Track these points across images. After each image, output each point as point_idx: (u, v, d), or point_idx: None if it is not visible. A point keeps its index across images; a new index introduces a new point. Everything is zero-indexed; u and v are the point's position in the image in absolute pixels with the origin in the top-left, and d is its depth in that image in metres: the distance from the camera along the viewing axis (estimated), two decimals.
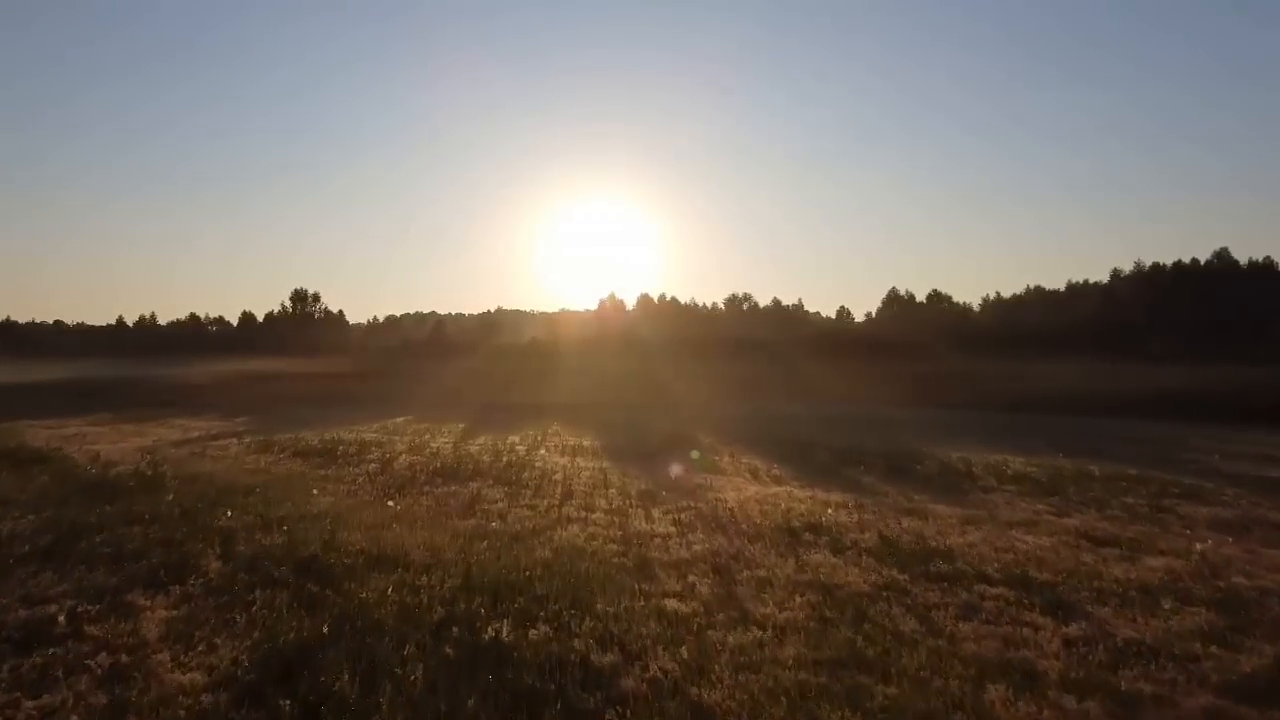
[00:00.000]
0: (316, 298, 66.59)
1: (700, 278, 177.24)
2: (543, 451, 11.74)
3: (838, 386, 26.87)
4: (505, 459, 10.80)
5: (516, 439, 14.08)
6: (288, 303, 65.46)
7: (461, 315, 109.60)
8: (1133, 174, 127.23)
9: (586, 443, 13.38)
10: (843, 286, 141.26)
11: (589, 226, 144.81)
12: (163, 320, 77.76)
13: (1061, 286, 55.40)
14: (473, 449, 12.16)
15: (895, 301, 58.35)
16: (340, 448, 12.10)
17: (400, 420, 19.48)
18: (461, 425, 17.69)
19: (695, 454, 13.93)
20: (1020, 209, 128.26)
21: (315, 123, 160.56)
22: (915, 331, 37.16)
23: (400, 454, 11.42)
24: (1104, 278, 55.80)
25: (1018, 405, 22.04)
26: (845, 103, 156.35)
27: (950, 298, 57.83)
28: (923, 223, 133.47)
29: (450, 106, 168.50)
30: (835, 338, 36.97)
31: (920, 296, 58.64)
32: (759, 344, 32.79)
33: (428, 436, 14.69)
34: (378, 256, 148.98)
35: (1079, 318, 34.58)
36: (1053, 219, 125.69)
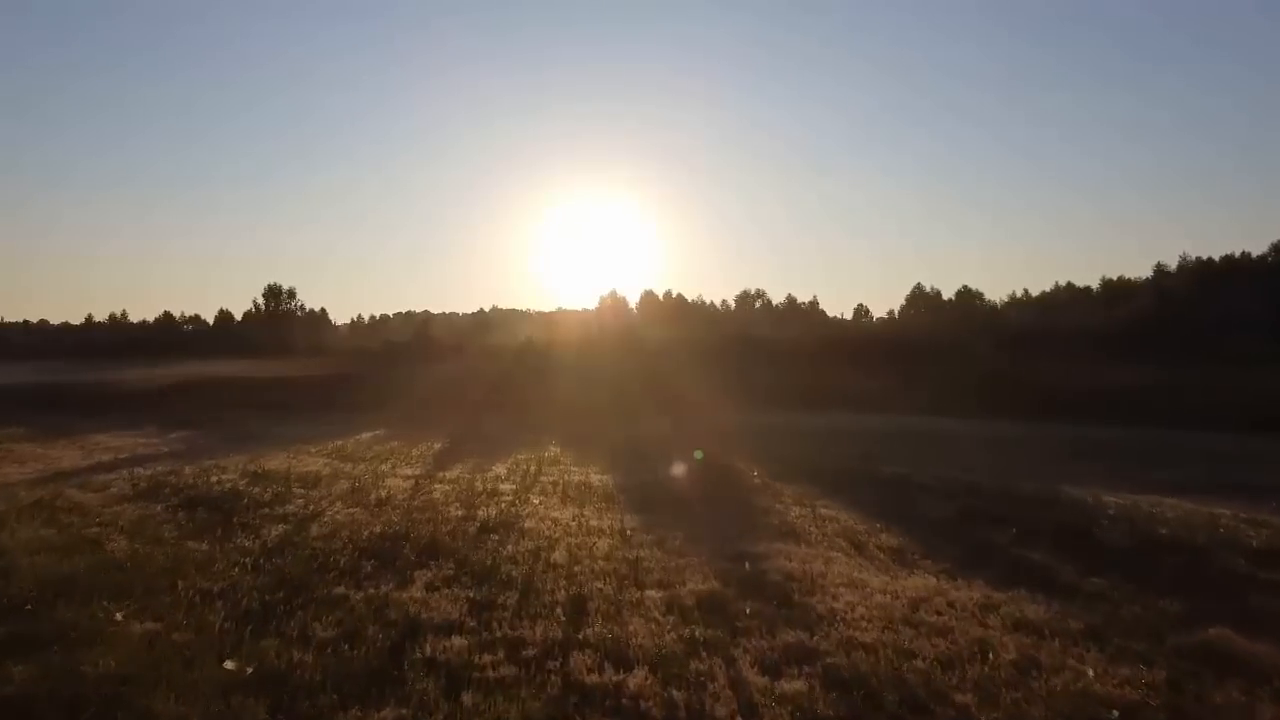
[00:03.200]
0: (292, 294, 62.42)
1: (701, 276, 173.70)
2: (537, 499, 8.33)
3: (875, 393, 23.56)
4: (482, 514, 7.42)
5: (503, 470, 10.71)
6: (260, 300, 61.37)
7: (455, 315, 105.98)
8: (1139, 172, 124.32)
9: (596, 478, 10.01)
10: (847, 283, 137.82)
11: (587, 223, 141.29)
12: (134, 319, 73.98)
13: (1095, 283, 52.33)
14: (438, 492, 8.77)
15: (920, 299, 54.47)
16: (256, 489, 8.74)
17: (366, 436, 16.14)
18: (438, 445, 14.35)
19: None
20: (1029, 206, 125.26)
21: (306, 119, 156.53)
22: (946, 331, 33.85)
23: (334, 502, 8.04)
24: (1132, 273, 52.93)
25: (1101, 416, 18.76)
26: (849, 99, 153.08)
27: (981, 294, 54.32)
28: (928, 220, 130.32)
29: (444, 101, 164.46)
30: (860, 338, 33.57)
31: (947, 293, 55.32)
32: (778, 345, 29.44)
33: (387, 465, 11.32)
34: (369, 255, 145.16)
35: (1126, 316, 31.23)
36: (1062, 217, 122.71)
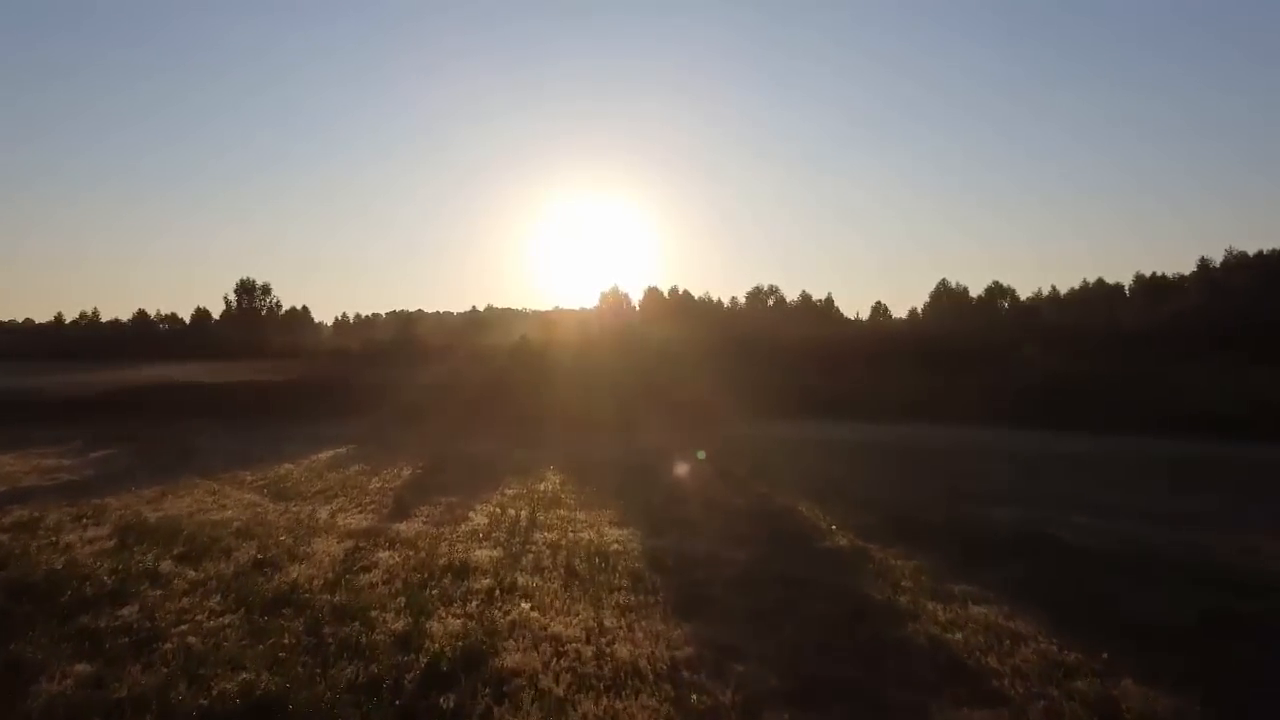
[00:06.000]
0: (267, 290, 58.92)
1: (704, 274, 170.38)
2: (526, 596, 5.38)
3: (917, 400, 20.70)
4: (438, 629, 4.52)
5: (484, 520, 7.81)
6: (232, 296, 57.68)
7: (450, 314, 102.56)
8: (1151, 170, 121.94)
9: (612, 535, 7.11)
10: (852, 281, 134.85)
11: (586, 220, 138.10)
12: (124, 316, 70.20)
13: (1126, 280, 49.43)
14: (382, 567, 5.84)
15: (946, 296, 50.98)
16: (107, 565, 5.85)
17: (324, 457, 13.26)
18: (407, 471, 11.49)
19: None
20: (1035, 204, 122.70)
21: (299, 115, 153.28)
22: (978, 330, 31.03)
23: (208, 597, 5.12)
24: (1165, 269, 50.24)
25: (1188, 428, 15.91)
26: (853, 95, 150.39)
27: (1013, 290, 51.04)
28: (933, 217, 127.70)
29: (440, 97, 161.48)
30: (887, 337, 30.60)
31: (975, 290, 51.82)
32: (798, 345, 26.57)
33: (330, 510, 8.41)
34: (362, 252, 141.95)
35: (1180, 313, 28.42)
36: (1066, 215, 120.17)
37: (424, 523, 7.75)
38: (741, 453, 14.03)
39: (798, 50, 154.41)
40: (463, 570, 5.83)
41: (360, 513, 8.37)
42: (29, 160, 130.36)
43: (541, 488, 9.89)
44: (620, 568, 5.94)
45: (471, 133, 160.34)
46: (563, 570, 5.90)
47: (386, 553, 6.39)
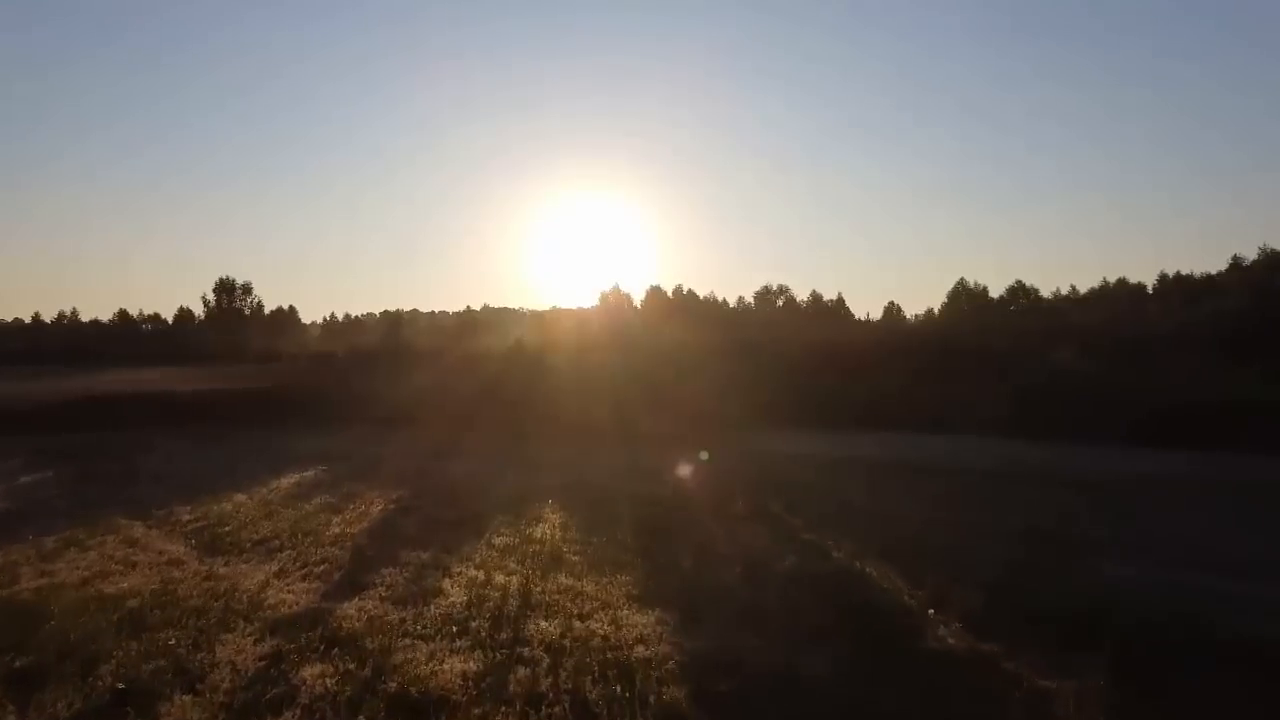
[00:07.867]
0: (248, 289, 56.52)
1: (701, 274, 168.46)
2: None
3: (951, 409, 18.85)
4: None
5: (461, 596, 5.92)
6: (210, 295, 55.36)
7: (444, 314, 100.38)
8: (1159, 173, 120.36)
9: (636, 628, 5.22)
10: (857, 281, 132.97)
11: (586, 218, 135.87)
12: (105, 317, 67.74)
13: (1149, 280, 47.43)
14: (295, 713, 3.96)
15: (965, 295, 48.69)
16: None
17: (286, 484, 11.41)
18: (378, 507, 9.60)
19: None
20: (1036, 204, 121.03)
21: (291, 113, 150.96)
22: (1004, 332, 29.15)
23: None
24: (1173, 268, 48.38)
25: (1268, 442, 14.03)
26: (855, 96, 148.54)
27: (1037, 291, 48.69)
28: (936, 217, 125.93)
29: (434, 93, 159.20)
30: (905, 340, 28.57)
31: (994, 290, 49.49)
32: (817, 348, 24.71)
33: (266, 572, 6.51)
34: (357, 252, 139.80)
35: (1225, 315, 26.53)
36: (1069, 214, 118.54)
37: (382, 598, 5.87)
38: (765, 475, 12.17)
39: (800, 49, 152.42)
40: (420, 707, 3.94)
41: (303, 579, 6.47)
42: (11, 157, 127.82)
43: (538, 534, 8.02)
44: (653, 700, 4.04)
45: (469, 129, 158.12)
46: (568, 703, 4.01)
47: (316, 667, 4.48)
